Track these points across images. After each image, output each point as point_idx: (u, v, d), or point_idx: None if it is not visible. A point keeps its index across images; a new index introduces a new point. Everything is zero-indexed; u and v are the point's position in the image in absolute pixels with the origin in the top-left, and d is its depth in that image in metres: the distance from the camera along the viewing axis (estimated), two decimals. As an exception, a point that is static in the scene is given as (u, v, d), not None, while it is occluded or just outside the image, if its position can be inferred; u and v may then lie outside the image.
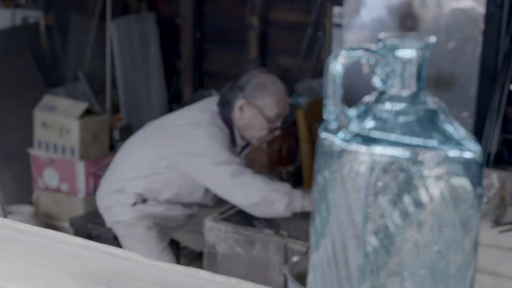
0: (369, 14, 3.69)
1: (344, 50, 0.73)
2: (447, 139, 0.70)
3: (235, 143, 2.77)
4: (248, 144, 2.86)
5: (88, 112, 4.02)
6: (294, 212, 2.60)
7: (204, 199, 2.86)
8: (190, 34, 5.11)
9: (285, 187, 2.61)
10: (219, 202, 2.96)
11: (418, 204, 0.69)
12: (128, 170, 2.80)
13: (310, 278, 0.77)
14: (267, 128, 2.72)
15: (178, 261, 3.04)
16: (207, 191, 2.80)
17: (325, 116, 0.74)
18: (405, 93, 0.73)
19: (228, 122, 2.73)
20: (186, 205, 2.86)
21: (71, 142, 3.97)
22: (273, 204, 2.56)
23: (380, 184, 0.69)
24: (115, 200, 2.81)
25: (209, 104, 2.77)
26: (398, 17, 3.61)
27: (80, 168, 3.98)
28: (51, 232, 0.90)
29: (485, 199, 2.60)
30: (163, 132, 2.74)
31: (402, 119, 0.71)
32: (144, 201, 2.80)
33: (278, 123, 2.74)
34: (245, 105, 2.69)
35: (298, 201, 2.58)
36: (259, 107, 2.69)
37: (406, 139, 0.69)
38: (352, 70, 0.83)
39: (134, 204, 2.78)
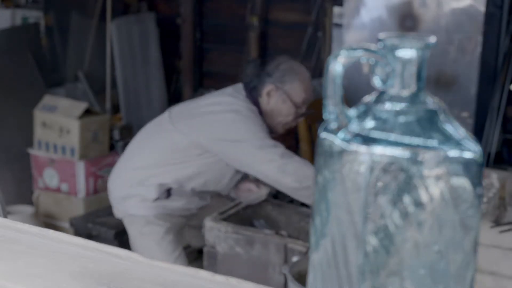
0: (369, 14, 3.69)
1: (344, 50, 0.73)
2: (447, 139, 0.70)
3: None
4: (270, 133, 2.83)
5: (88, 112, 4.03)
6: None
7: (226, 188, 2.82)
8: (190, 34, 5.11)
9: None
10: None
11: (418, 204, 0.69)
12: (154, 158, 2.71)
13: (310, 278, 0.77)
14: (293, 114, 2.71)
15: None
16: (231, 179, 2.78)
17: (325, 116, 0.74)
18: (405, 93, 0.73)
19: (257, 108, 2.73)
20: (202, 196, 2.81)
21: (71, 142, 3.97)
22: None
23: (380, 184, 0.69)
24: (136, 193, 2.71)
25: (238, 91, 2.74)
26: (398, 17, 3.61)
27: (80, 168, 3.98)
28: (51, 232, 0.90)
29: (485, 199, 2.60)
30: (196, 118, 2.67)
31: (402, 119, 0.71)
32: (168, 195, 2.71)
33: (303, 109, 2.74)
34: (273, 90, 2.69)
35: None
36: (287, 92, 2.69)
37: (406, 139, 0.69)
38: (352, 70, 0.83)
39: (156, 199, 2.69)
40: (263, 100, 2.70)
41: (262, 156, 2.56)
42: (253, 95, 2.70)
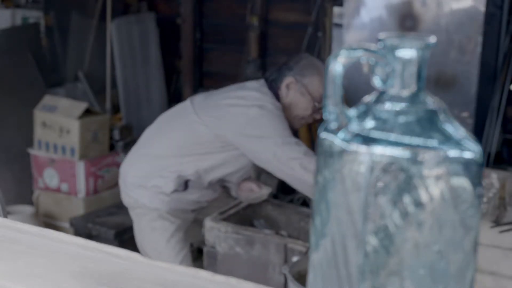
0: (369, 14, 3.69)
1: (344, 50, 0.73)
2: (447, 139, 0.70)
3: None
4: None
5: (88, 112, 4.03)
6: None
7: (238, 180, 2.80)
8: (190, 34, 5.11)
9: None
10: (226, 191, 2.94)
11: (418, 204, 0.69)
12: (175, 148, 2.66)
13: (310, 278, 0.77)
14: (312, 109, 2.71)
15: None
16: (247, 172, 2.77)
17: (325, 116, 0.74)
18: (405, 93, 0.73)
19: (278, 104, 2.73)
20: (215, 189, 2.77)
21: (71, 142, 3.97)
22: None
23: (380, 184, 0.69)
24: (153, 184, 2.66)
25: (262, 85, 2.74)
26: (398, 17, 3.60)
27: (80, 168, 3.98)
28: (51, 232, 0.90)
29: (485, 199, 2.60)
30: (221, 111, 2.64)
31: (402, 119, 0.71)
32: (186, 186, 2.67)
33: (321, 105, 2.74)
34: (292, 83, 2.70)
35: None
36: (306, 85, 2.70)
37: (406, 139, 0.69)
38: (352, 70, 0.83)
39: (174, 191, 2.65)
40: (282, 92, 2.70)
41: (285, 153, 2.54)
42: (273, 88, 2.71)
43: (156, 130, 2.77)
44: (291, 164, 2.53)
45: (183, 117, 2.69)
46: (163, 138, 2.70)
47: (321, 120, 2.90)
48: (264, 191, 2.77)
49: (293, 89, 2.69)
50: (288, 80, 2.68)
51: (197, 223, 2.85)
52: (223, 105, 2.64)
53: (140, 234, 2.73)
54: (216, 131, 2.61)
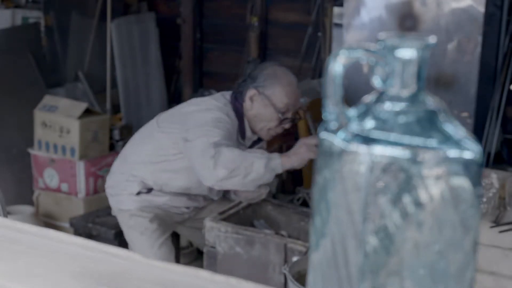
0: (369, 14, 3.69)
1: (344, 50, 0.73)
2: (447, 139, 0.70)
3: (245, 135, 2.77)
4: (259, 140, 2.85)
5: (88, 112, 4.03)
6: (276, 173, 2.58)
7: (210, 193, 2.86)
8: (190, 34, 5.11)
9: (261, 151, 2.63)
10: (224, 196, 2.96)
11: (418, 204, 0.69)
12: (139, 156, 2.81)
13: (310, 278, 0.77)
14: (276, 120, 2.71)
15: (178, 261, 3.04)
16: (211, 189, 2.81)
17: (325, 116, 0.74)
18: (405, 93, 0.73)
19: (239, 113, 2.74)
20: (191, 197, 2.85)
21: (71, 142, 3.97)
22: (253, 165, 2.53)
23: (380, 184, 0.69)
24: (123, 188, 2.82)
25: (225, 95, 2.80)
26: (398, 17, 3.60)
27: (80, 168, 3.98)
28: (51, 232, 0.90)
29: (485, 199, 2.60)
30: (177, 117, 2.75)
31: (402, 119, 0.71)
32: (149, 190, 2.79)
33: (288, 115, 2.74)
34: (255, 95, 2.71)
35: (276, 159, 2.57)
36: (269, 97, 2.70)
37: (406, 139, 0.69)
38: (352, 70, 0.83)
39: (139, 193, 2.79)
40: (247, 104, 2.72)
41: (198, 148, 2.57)
42: (238, 101, 2.73)
43: (130, 144, 2.94)
44: (203, 155, 2.54)
45: (148, 129, 2.87)
46: (133, 150, 2.87)
47: (289, 129, 2.92)
48: (262, 190, 2.77)
49: (257, 101, 2.71)
50: (251, 92, 2.71)
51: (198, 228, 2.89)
52: (181, 113, 2.76)
53: (125, 236, 2.88)
54: (172, 137, 2.72)
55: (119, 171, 2.87)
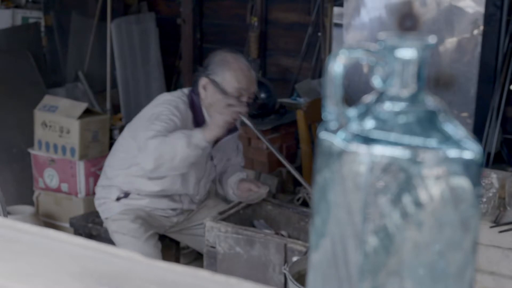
0: (369, 14, 3.69)
1: (344, 50, 0.73)
2: (447, 139, 0.70)
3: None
4: (235, 129, 2.87)
5: (88, 112, 4.03)
6: (202, 147, 2.59)
7: (197, 193, 2.88)
8: (190, 34, 5.11)
9: (182, 131, 2.63)
10: (209, 197, 2.97)
11: (418, 204, 0.69)
12: (114, 165, 2.88)
13: (310, 278, 0.77)
14: (230, 106, 2.69)
15: (178, 261, 3.05)
16: (197, 184, 2.83)
17: (325, 116, 0.74)
18: (405, 93, 0.73)
19: (196, 104, 2.76)
20: (173, 198, 2.87)
21: (71, 142, 3.97)
22: (175, 148, 2.55)
23: (380, 184, 0.69)
24: (104, 196, 2.88)
25: (183, 90, 2.85)
26: (398, 17, 3.60)
27: (80, 168, 3.98)
28: (51, 232, 0.90)
29: (484, 199, 2.60)
30: (139, 119, 2.82)
31: (402, 119, 0.71)
32: (127, 195, 2.83)
33: (244, 99, 2.72)
34: (208, 84, 2.72)
35: (198, 134, 2.58)
36: (220, 83, 2.70)
37: (406, 139, 0.69)
38: (352, 70, 0.83)
39: (118, 198, 2.84)
40: (202, 94, 2.74)
41: (138, 142, 2.65)
42: (195, 91, 2.75)
43: (109, 153, 3.02)
44: (148, 143, 2.59)
45: (121, 136, 2.95)
46: (109, 159, 2.96)
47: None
48: (262, 190, 2.77)
49: (209, 89, 2.72)
50: (203, 81, 2.72)
51: (198, 235, 2.90)
52: (142, 114, 2.83)
53: (115, 243, 2.90)
54: (129, 136, 2.81)
55: (100, 183, 2.96)
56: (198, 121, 2.75)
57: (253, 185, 2.81)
